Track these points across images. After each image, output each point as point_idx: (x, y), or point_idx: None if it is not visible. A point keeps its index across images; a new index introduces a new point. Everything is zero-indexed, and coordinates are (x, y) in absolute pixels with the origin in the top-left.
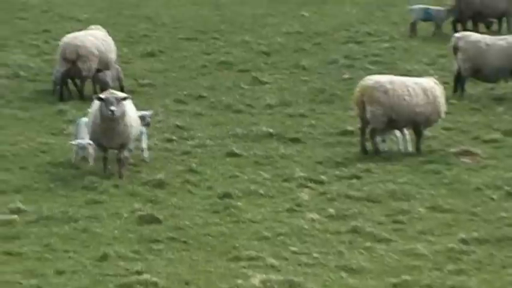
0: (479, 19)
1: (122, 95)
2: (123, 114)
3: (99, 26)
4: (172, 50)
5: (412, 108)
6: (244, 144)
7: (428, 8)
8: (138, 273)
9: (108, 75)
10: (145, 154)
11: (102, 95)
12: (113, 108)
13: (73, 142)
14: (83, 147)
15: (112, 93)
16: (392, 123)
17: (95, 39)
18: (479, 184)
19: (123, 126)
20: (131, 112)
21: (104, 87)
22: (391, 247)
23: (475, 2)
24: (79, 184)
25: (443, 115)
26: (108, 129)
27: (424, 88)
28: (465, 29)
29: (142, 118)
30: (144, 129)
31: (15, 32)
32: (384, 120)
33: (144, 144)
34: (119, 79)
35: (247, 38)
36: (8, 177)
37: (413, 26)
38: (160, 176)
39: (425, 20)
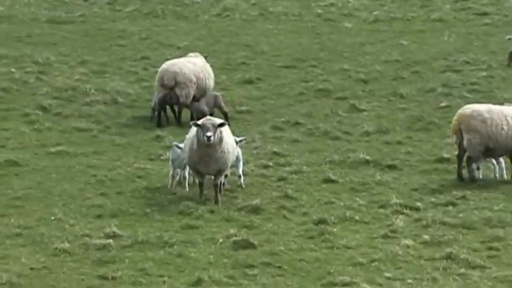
0: None
1: (218, 121)
2: (220, 140)
3: (197, 54)
4: (270, 78)
5: (510, 137)
6: (341, 171)
7: None
8: None
9: (204, 103)
10: (242, 180)
11: (199, 121)
12: (209, 134)
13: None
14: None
15: (209, 119)
16: (489, 151)
17: (194, 65)
18: None
19: (220, 152)
20: (228, 138)
21: (200, 115)
22: (485, 274)
23: None
24: (175, 209)
25: None
26: (205, 155)
27: None
28: None
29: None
30: (240, 155)
31: (114, 58)
32: (481, 149)
33: (240, 170)
34: (219, 106)
35: (345, 66)
36: (104, 202)
37: (511, 55)
38: (256, 201)
39: None
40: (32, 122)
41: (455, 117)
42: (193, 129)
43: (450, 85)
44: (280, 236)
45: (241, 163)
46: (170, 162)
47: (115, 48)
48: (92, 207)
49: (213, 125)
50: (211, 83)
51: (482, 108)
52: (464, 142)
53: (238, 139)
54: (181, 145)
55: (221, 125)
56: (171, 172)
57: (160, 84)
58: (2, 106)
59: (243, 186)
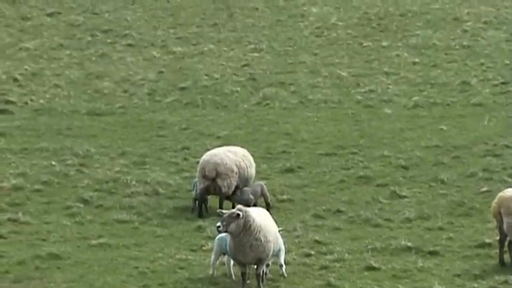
0: None
1: (236, 211)
2: (250, 228)
3: (237, 147)
4: (311, 166)
5: None
6: (383, 258)
7: None
8: None
9: (249, 193)
10: (283, 269)
11: (223, 211)
12: (218, 224)
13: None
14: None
15: (231, 211)
16: None
17: (235, 155)
18: None
19: (254, 240)
20: (268, 227)
21: (246, 205)
22: None
23: None
24: None
25: None
26: (239, 245)
27: None
28: None
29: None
30: (282, 244)
31: (154, 149)
32: None
33: (282, 259)
34: (265, 195)
35: (386, 152)
36: None
37: None
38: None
39: None
40: (73, 214)
41: (495, 200)
42: None
43: (491, 170)
44: None
45: (283, 252)
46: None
47: (155, 139)
48: None
49: (229, 215)
50: (253, 171)
51: None
52: (505, 226)
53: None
54: None
55: (237, 216)
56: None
57: (202, 176)
58: (43, 199)
59: (285, 275)
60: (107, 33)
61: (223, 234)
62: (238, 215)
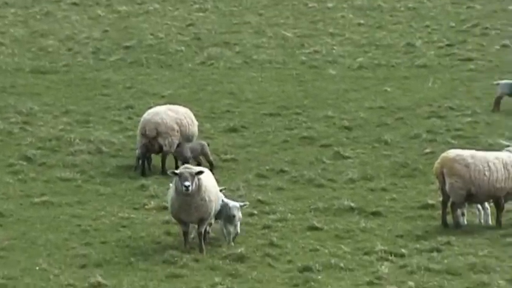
0: None
1: (196, 169)
2: (199, 188)
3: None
4: (254, 126)
5: (492, 183)
6: (326, 218)
7: None
8: None
9: (188, 150)
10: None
11: (177, 170)
12: (187, 183)
13: None
14: None
15: (187, 167)
16: (472, 197)
17: (176, 113)
18: None
19: (199, 200)
20: (211, 186)
21: (184, 161)
22: None
23: None
24: (159, 258)
25: None
26: (185, 204)
27: (505, 163)
28: None
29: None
30: (240, 214)
31: (98, 108)
32: (463, 194)
33: (238, 228)
34: (206, 154)
35: (329, 113)
36: (89, 251)
37: (498, 100)
38: (240, 249)
39: (511, 94)
40: (16, 172)
41: (438, 161)
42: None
43: (434, 131)
44: (265, 284)
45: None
46: None
47: (99, 98)
48: (77, 257)
49: (190, 173)
50: (194, 129)
51: (465, 153)
52: (447, 186)
53: (241, 204)
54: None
55: (199, 173)
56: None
57: (143, 134)
58: None
59: (232, 244)
60: None
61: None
62: (201, 172)
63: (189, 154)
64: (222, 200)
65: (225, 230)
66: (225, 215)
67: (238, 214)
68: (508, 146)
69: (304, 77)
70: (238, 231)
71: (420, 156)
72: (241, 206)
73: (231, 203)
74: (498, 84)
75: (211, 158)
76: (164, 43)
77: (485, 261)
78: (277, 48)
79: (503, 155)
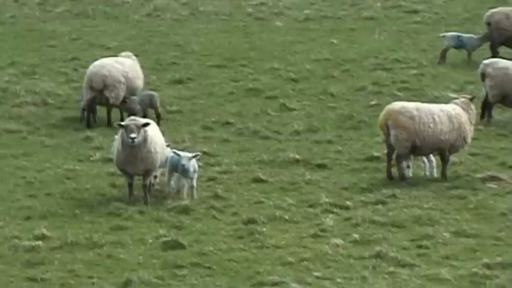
0: (510, 45)
1: (142, 121)
2: (145, 140)
3: (130, 53)
4: (200, 77)
5: (437, 135)
6: (271, 170)
7: (461, 35)
8: None
9: (137, 102)
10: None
11: (123, 122)
12: (133, 135)
13: None
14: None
15: (133, 119)
16: (416, 149)
17: (122, 66)
18: (504, 209)
19: (145, 152)
20: (157, 138)
21: (132, 113)
22: (414, 272)
23: (507, 28)
24: (104, 210)
25: (469, 141)
26: (131, 156)
27: (449, 115)
28: (494, 56)
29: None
30: (196, 167)
31: (43, 59)
32: (407, 146)
33: (194, 181)
34: (155, 106)
35: (275, 65)
36: (34, 203)
37: (444, 52)
38: (185, 202)
39: (457, 47)
40: None
41: (383, 113)
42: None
43: (380, 83)
44: (210, 236)
45: (195, 174)
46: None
47: (45, 49)
48: (21, 208)
49: (136, 125)
50: (140, 82)
51: (410, 105)
52: (392, 138)
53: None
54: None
55: (145, 125)
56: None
57: (89, 87)
58: None
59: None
60: None
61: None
62: (147, 124)
63: (138, 107)
64: (174, 152)
65: (179, 183)
66: (180, 168)
67: (191, 164)
68: (456, 98)
69: (250, 28)
70: (194, 184)
71: (366, 109)
72: (193, 157)
73: (182, 154)
74: (444, 36)
75: (159, 110)
76: None
77: (430, 213)
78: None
79: (448, 107)
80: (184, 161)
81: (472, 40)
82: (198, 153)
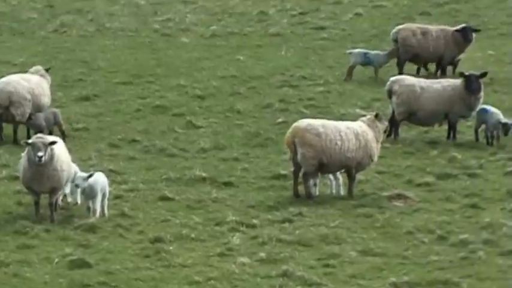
0: (417, 62)
1: (50, 139)
2: (52, 158)
3: (40, 68)
4: (107, 94)
5: (344, 153)
6: (177, 188)
7: (367, 52)
8: None
9: (42, 119)
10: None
11: (30, 140)
12: (40, 154)
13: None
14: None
15: (40, 137)
16: (323, 167)
17: (28, 83)
18: (411, 228)
19: (52, 170)
20: (63, 156)
21: (38, 130)
22: None
23: (414, 45)
24: (10, 228)
25: (375, 159)
26: (37, 174)
27: (356, 132)
28: (401, 73)
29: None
30: (107, 190)
31: None
32: (314, 163)
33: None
34: (59, 123)
35: (182, 81)
36: None
37: (350, 69)
38: (92, 220)
39: (364, 64)
40: None
41: (289, 131)
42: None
43: (287, 100)
44: (116, 254)
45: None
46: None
47: None
48: None
49: (43, 143)
50: (47, 99)
51: (317, 122)
52: (298, 156)
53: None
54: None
55: (52, 143)
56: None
57: None
58: None
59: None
60: None
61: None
62: (54, 142)
63: (43, 123)
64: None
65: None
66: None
67: (87, 184)
68: (364, 115)
69: (157, 45)
70: (97, 204)
71: (272, 126)
72: (89, 176)
73: (78, 174)
74: (351, 53)
75: (63, 127)
76: (16, 10)
77: (337, 232)
78: (130, 16)
79: (355, 124)
80: (78, 181)
81: (379, 57)
82: (93, 172)
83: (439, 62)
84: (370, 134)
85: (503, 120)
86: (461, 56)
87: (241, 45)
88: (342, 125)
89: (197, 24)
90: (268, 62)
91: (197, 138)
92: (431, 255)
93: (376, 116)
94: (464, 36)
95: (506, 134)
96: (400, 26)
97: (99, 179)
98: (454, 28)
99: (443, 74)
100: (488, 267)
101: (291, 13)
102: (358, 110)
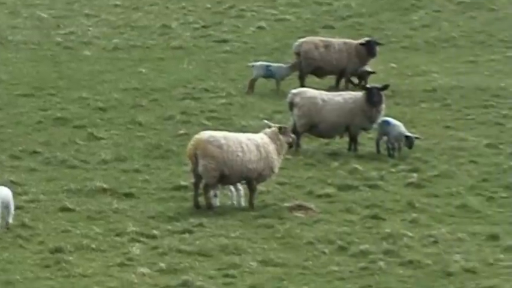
0: (319, 75)
1: None
2: None
3: None
4: (8, 106)
5: (245, 164)
6: (78, 199)
7: (270, 65)
8: None
9: None
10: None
11: None
12: None
13: None
14: None
15: None
16: (225, 178)
17: None
18: (312, 238)
19: None
20: None
21: None
22: None
23: (316, 58)
24: None
25: (276, 171)
26: None
27: (257, 144)
28: (303, 85)
29: None
30: (11, 203)
31: None
32: (216, 175)
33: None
34: None
35: (84, 94)
36: None
37: (252, 82)
38: None
39: (266, 76)
40: None
41: (191, 142)
42: None
43: (189, 112)
44: (16, 265)
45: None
46: None
47: None
48: None
49: None
50: None
51: (218, 134)
52: (200, 168)
53: None
54: None
55: None
56: None
57: None
58: None
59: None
60: None
61: None
62: None
63: None
64: None
65: None
66: None
67: None
68: (270, 126)
69: (59, 58)
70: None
71: (174, 138)
72: None
73: None
74: (253, 66)
75: None
76: None
77: (237, 242)
78: (32, 29)
79: (256, 136)
80: None
81: (281, 70)
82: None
83: (341, 75)
84: (271, 146)
85: (407, 133)
86: (370, 69)
87: (143, 58)
88: (243, 136)
89: (99, 38)
90: (171, 75)
91: (98, 149)
92: (331, 265)
93: (280, 129)
94: (369, 49)
95: (410, 147)
96: (303, 39)
97: (1, 192)
98: (358, 41)
99: (347, 87)
100: (388, 278)
101: (193, 26)
102: (266, 122)
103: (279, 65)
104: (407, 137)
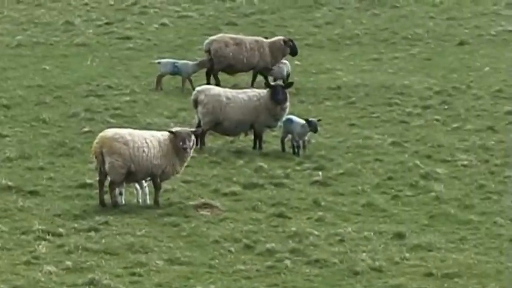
0: (230, 73)
1: None
2: None
3: None
4: None
5: (150, 160)
6: None
7: (176, 62)
8: None
9: None
10: None
11: None
12: None
13: None
14: None
15: None
16: (131, 175)
17: None
18: (218, 237)
19: None
20: None
21: None
22: None
23: (227, 56)
24: None
25: (178, 170)
26: None
27: (159, 140)
28: (209, 83)
29: None
30: None
31: None
32: (123, 172)
33: None
34: None
35: None
36: None
37: (159, 79)
38: None
39: (172, 73)
40: None
41: (96, 140)
42: None
43: (93, 110)
44: None
45: None
46: None
47: None
48: None
49: None
50: None
51: (123, 131)
52: (106, 165)
53: None
54: None
55: None
56: None
57: None
58: None
59: None
60: None
61: None
62: None
63: None
64: None
65: None
66: None
67: None
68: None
69: None
70: None
71: (78, 135)
72: None
73: None
74: (159, 63)
75: None
76: None
77: (143, 241)
78: None
79: (158, 133)
80: None
81: (187, 67)
82: None
83: (255, 73)
84: (170, 145)
85: (309, 118)
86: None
87: (47, 54)
88: (147, 133)
89: (3, 34)
90: (74, 72)
91: (2, 147)
92: (237, 264)
93: (171, 133)
94: (293, 49)
95: (315, 131)
96: (214, 37)
97: None
98: (281, 39)
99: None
100: (295, 276)
101: (96, 23)
102: (172, 124)
103: (185, 62)
104: (309, 121)
